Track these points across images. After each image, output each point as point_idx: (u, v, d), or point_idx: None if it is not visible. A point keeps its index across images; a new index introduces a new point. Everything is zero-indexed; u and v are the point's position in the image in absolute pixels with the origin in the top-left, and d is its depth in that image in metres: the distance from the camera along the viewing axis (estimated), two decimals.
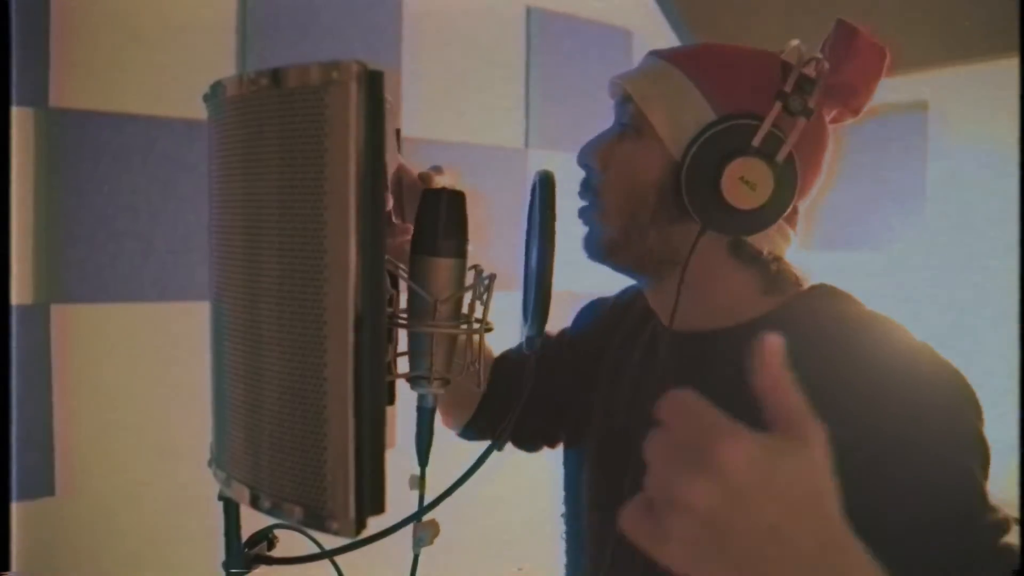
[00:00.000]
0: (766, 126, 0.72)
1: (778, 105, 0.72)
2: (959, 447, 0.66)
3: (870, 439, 0.64)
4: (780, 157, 0.72)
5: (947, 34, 2.01)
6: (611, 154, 0.80)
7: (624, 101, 0.80)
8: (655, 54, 0.81)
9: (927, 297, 2.20)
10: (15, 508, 1.51)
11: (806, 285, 0.80)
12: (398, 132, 0.80)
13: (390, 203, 0.70)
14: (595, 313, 1.01)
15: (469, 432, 1.03)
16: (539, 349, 1.01)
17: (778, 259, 0.78)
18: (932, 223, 2.27)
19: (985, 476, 0.66)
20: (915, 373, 0.69)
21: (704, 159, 0.73)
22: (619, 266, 0.83)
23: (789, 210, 0.74)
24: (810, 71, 0.74)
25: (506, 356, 1.04)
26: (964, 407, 0.68)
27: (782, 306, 0.78)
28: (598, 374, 0.92)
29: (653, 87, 0.78)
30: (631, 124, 0.79)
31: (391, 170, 0.74)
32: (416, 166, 0.84)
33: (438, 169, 0.81)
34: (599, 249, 0.81)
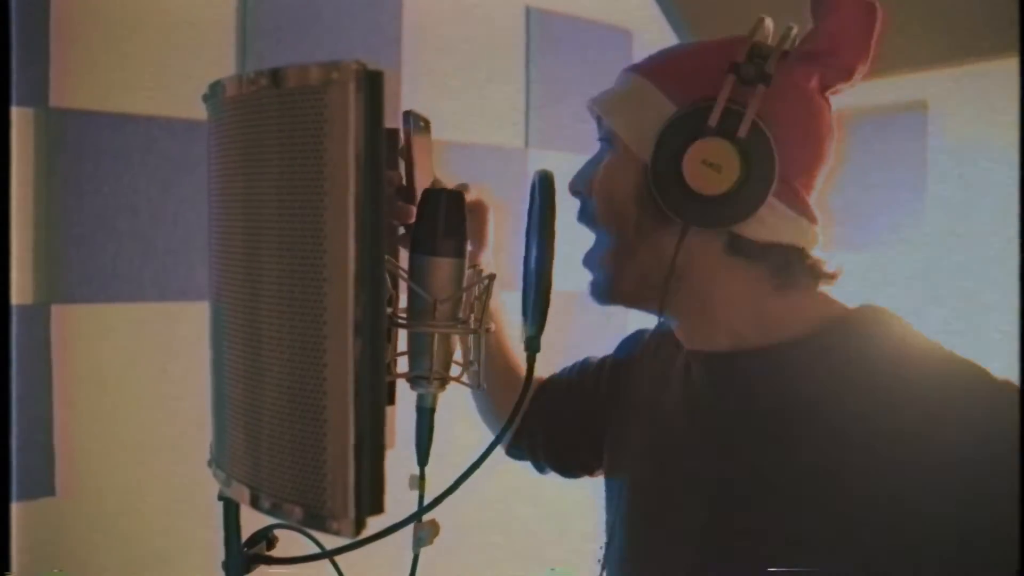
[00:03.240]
0: (721, 102, 0.68)
1: (731, 78, 0.68)
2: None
3: (924, 490, 0.61)
4: (742, 132, 0.67)
5: (947, 34, 2.01)
6: (593, 177, 0.79)
7: (599, 120, 0.79)
8: (625, 69, 0.79)
9: (927, 297, 2.20)
10: (15, 508, 1.51)
11: (833, 281, 0.75)
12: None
13: (413, 215, 0.70)
14: (635, 344, 0.98)
15: (513, 451, 1.02)
16: (577, 370, 1.01)
17: (790, 251, 0.72)
18: (932, 223, 2.27)
19: None
20: (981, 418, 0.63)
21: (666, 153, 0.70)
22: (628, 303, 0.80)
23: (775, 188, 0.69)
24: (775, 41, 0.71)
25: (552, 379, 1.02)
26: None
27: (823, 330, 0.71)
28: (636, 404, 0.89)
29: (617, 99, 0.77)
30: (605, 139, 0.78)
31: (426, 183, 0.74)
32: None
33: (464, 187, 0.81)
34: (604, 291, 0.79)
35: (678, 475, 0.77)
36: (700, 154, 0.68)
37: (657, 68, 0.76)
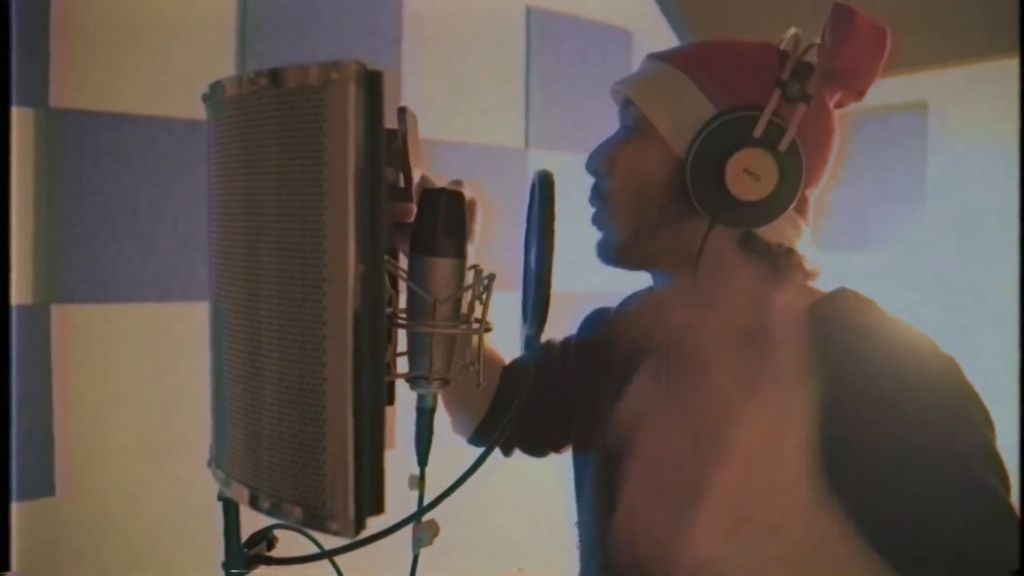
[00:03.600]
0: (766, 115, 0.72)
1: (777, 93, 0.72)
2: (972, 455, 0.67)
3: (885, 443, 0.66)
4: (783, 146, 0.72)
5: (947, 34, 2.01)
6: (617, 158, 0.80)
7: (626, 105, 0.81)
8: (653, 57, 0.81)
9: (927, 297, 2.20)
10: (15, 508, 1.51)
11: (816, 277, 0.79)
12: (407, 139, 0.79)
13: (412, 213, 0.70)
14: (599, 323, 1.01)
15: (478, 439, 1.03)
16: (542, 352, 1.02)
17: (789, 250, 0.77)
18: (932, 223, 2.27)
19: (1006, 489, 0.66)
20: (933, 385, 0.69)
21: (707, 154, 0.73)
22: (632, 266, 0.83)
23: (798, 199, 0.74)
24: (809, 57, 0.74)
25: (515, 363, 1.04)
26: (981, 422, 0.68)
27: (804, 311, 0.76)
28: (607, 384, 0.92)
29: (652, 89, 0.78)
30: (634, 127, 0.79)
31: (415, 179, 0.74)
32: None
33: (458, 183, 0.81)
34: (612, 253, 0.82)
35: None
36: (744, 162, 0.72)
37: (696, 65, 0.77)
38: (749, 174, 0.72)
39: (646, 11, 2.53)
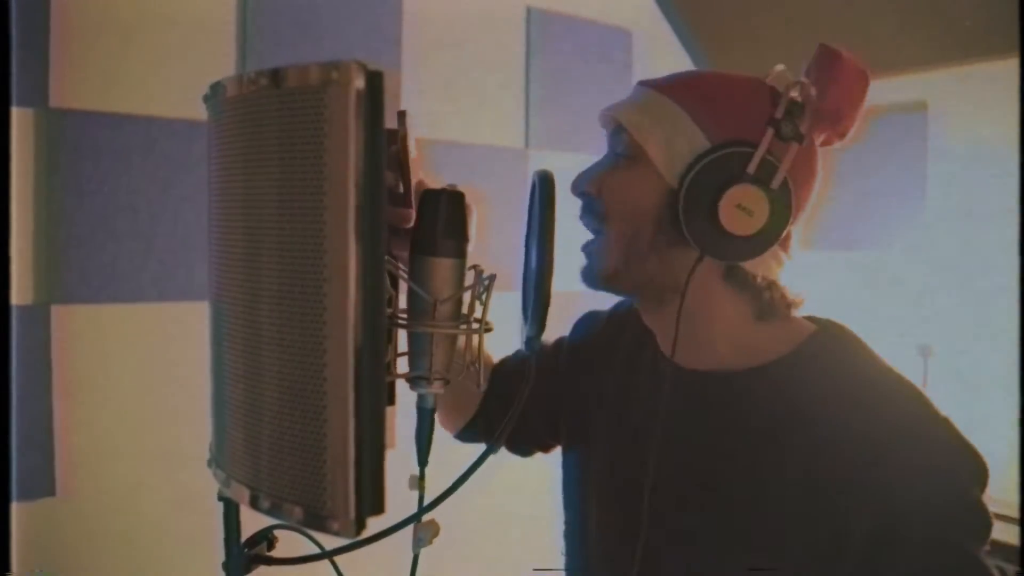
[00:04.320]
0: (760, 152, 0.73)
1: (770, 131, 0.73)
2: (959, 526, 0.68)
3: (875, 503, 0.68)
4: (775, 183, 0.73)
5: (947, 34, 2.01)
6: (607, 182, 0.80)
7: (617, 131, 0.81)
8: (645, 84, 0.81)
9: (927, 297, 2.20)
10: (15, 508, 1.51)
11: (802, 324, 0.80)
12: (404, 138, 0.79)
13: (411, 219, 0.70)
14: (592, 325, 1.01)
15: (467, 435, 1.03)
16: (538, 352, 1.02)
17: (771, 284, 0.79)
18: (932, 223, 2.27)
19: (982, 545, 0.67)
20: (923, 445, 0.70)
21: (701, 186, 0.74)
22: (619, 292, 0.85)
23: (784, 234, 0.75)
24: (797, 95, 0.75)
25: (504, 362, 1.04)
26: (971, 486, 0.69)
27: (793, 352, 0.78)
28: (600, 389, 0.92)
29: (645, 116, 0.78)
30: (625, 154, 0.79)
31: (413, 182, 0.74)
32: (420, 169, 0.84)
33: (454, 187, 0.81)
34: (599, 278, 0.82)
35: (643, 465, 0.80)
36: (737, 198, 0.73)
37: (689, 96, 0.78)
38: (742, 209, 0.73)
39: (646, 11, 2.53)
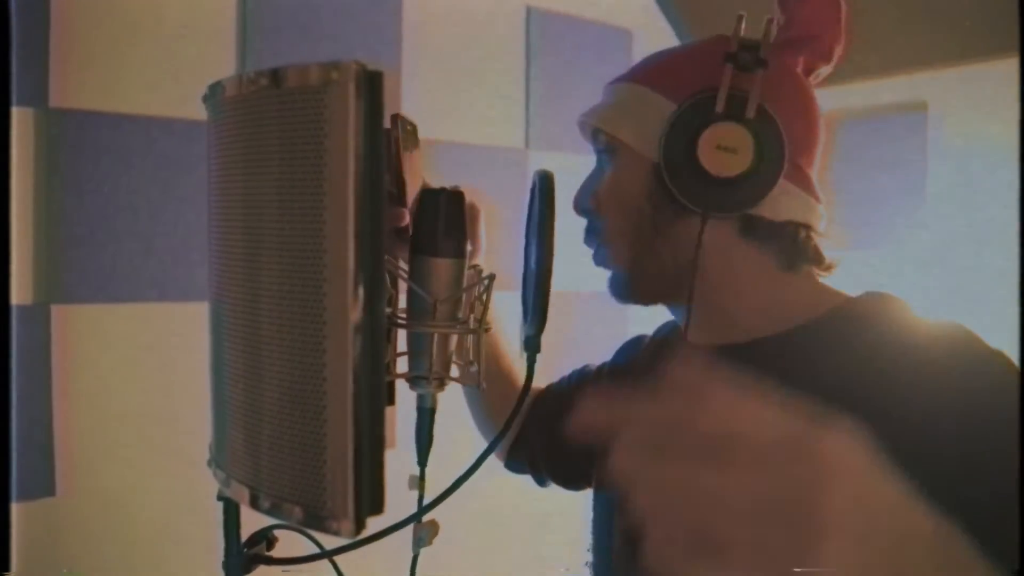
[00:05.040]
0: (723, 91, 0.70)
1: (728, 68, 0.70)
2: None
3: (932, 453, 0.61)
4: (749, 113, 0.69)
5: (947, 34, 2.01)
6: (599, 191, 0.80)
7: (595, 134, 0.80)
8: (610, 83, 0.81)
9: (927, 297, 2.20)
10: (15, 508, 1.51)
11: (832, 271, 0.77)
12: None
13: (405, 218, 0.70)
14: (634, 349, 0.98)
15: (513, 465, 1.03)
16: (576, 378, 1.01)
17: (798, 227, 0.74)
18: (932, 223, 2.27)
19: None
20: (984, 387, 0.65)
21: (677, 144, 0.71)
22: (647, 299, 0.81)
23: (787, 166, 0.71)
24: (759, 33, 0.73)
25: (551, 388, 1.02)
26: None
27: (832, 316, 0.73)
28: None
29: (614, 109, 0.78)
30: (605, 151, 0.79)
31: (416, 187, 0.74)
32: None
33: (456, 188, 0.81)
34: (622, 287, 0.80)
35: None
36: (713, 140, 0.69)
37: (649, 73, 0.77)
38: (723, 149, 0.69)
39: (646, 11, 2.53)
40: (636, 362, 0.95)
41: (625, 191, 0.77)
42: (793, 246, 0.74)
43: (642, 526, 0.36)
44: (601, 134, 0.78)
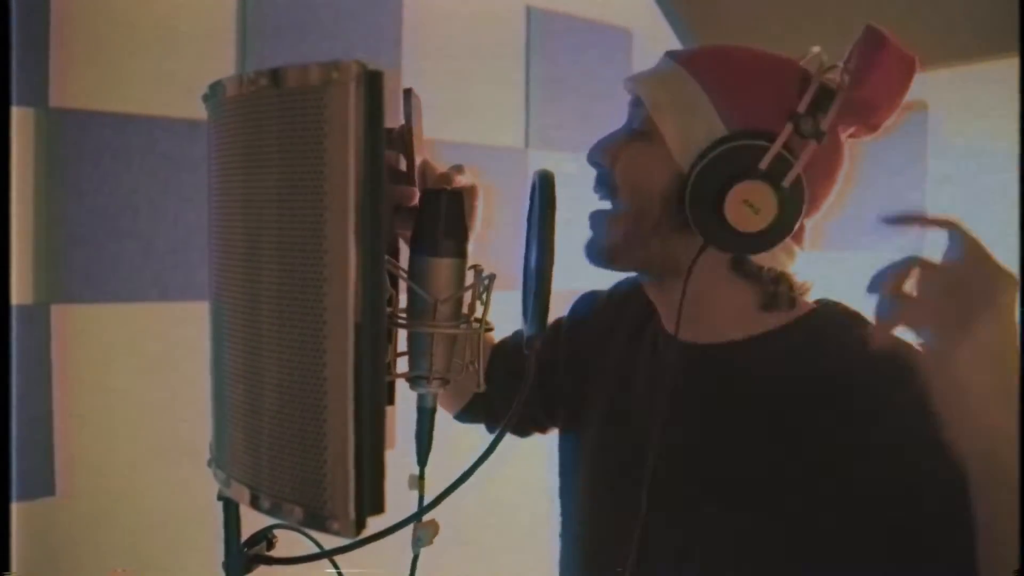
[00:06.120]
0: (774, 150, 0.70)
1: (789, 127, 0.71)
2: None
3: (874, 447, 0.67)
4: (787, 182, 0.71)
5: (947, 34, 2.01)
6: (620, 155, 0.80)
7: (637, 104, 0.80)
8: (670, 56, 0.80)
9: None
10: (15, 508, 1.50)
11: (803, 303, 0.79)
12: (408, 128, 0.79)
13: (415, 197, 0.71)
14: (592, 306, 1.01)
15: (465, 416, 1.04)
16: (539, 348, 1.02)
17: (779, 277, 0.77)
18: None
19: None
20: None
21: (710, 177, 0.72)
22: (621, 268, 0.84)
23: (796, 230, 0.73)
24: (829, 81, 0.72)
25: (504, 343, 1.04)
26: None
27: (791, 323, 0.77)
28: (598, 368, 0.92)
29: (665, 94, 0.77)
30: (641, 129, 0.79)
31: (417, 162, 0.75)
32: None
33: (459, 168, 0.81)
34: (602, 253, 0.81)
35: (643, 440, 0.80)
36: (744, 193, 0.71)
37: (713, 76, 0.76)
38: (748, 206, 0.71)
39: (646, 11, 2.53)
40: (595, 318, 0.98)
41: (644, 177, 0.78)
42: (769, 290, 0.78)
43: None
44: (642, 108, 0.78)
